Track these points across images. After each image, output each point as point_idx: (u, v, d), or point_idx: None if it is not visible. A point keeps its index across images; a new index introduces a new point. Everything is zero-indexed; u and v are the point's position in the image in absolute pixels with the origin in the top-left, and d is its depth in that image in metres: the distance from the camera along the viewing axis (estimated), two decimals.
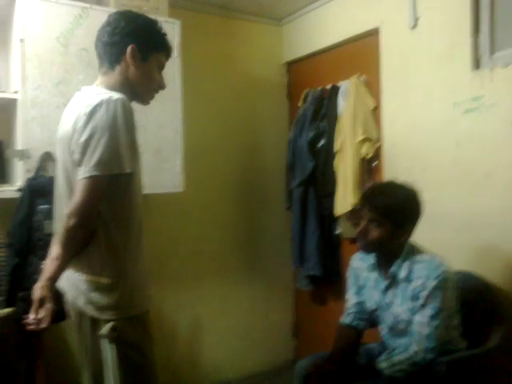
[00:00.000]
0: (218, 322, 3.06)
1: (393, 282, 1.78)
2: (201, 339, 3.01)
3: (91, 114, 1.34)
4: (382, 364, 1.70)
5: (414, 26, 2.36)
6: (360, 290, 1.93)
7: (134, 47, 1.47)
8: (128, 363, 1.42)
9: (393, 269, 1.76)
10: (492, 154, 2.04)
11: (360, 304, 1.93)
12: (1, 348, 1.71)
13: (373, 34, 2.63)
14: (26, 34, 2.05)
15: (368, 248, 1.79)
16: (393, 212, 1.71)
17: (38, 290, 1.46)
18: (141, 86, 1.53)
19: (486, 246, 2.09)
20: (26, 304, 1.50)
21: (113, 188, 1.38)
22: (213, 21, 3.01)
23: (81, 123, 1.35)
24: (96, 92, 1.42)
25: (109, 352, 1.40)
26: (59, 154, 1.50)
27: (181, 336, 2.94)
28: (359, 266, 1.93)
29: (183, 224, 2.92)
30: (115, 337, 1.38)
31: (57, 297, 1.46)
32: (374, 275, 1.86)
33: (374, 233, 1.73)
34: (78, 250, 1.40)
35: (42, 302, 1.45)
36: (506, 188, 1.99)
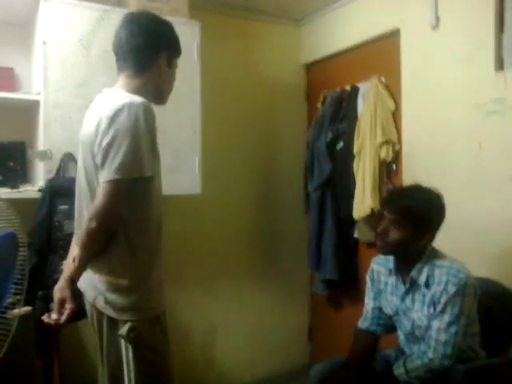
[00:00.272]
0: (233, 324, 3.06)
1: (412, 286, 1.76)
2: (215, 342, 3.01)
3: (114, 118, 1.36)
4: (398, 370, 1.68)
5: (436, 27, 2.33)
6: (378, 294, 1.91)
7: (165, 54, 1.53)
8: (146, 364, 1.44)
9: (413, 273, 1.73)
10: None
11: (378, 309, 1.91)
12: (19, 346, 1.74)
13: (393, 34, 2.60)
14: (49, 37, 2.09)
15: (386, 249, 1.76)
16: (414, 215, 1.69)
17: (58, 291, 1.49)
18: (164, 90, 1.59)
19: (506, 250, 2.04)
20: (45, 303, 1.52)
21: (133, 191, 1.40)
22: (231, 22, 3.02)
23: (103, 126, 1.37)
24: (119, 95, 1.44)
25: (127, 352, 1.41)
26: (81, 156, 1.52)
27: (196, 338, 2.95)
28: (378, 270, 1.91)
29: (200, 226, 2.93)
30: (134, 337, 1.39)
31: (76, 296, 1.48)
32: (393, 280, 1.84)
33: (394, 234, 1.71)
34: (98, 252, 1.42)
35: (62, 303, 1.48)
36: None
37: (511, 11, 2.07)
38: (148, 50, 1.50)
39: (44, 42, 2.07)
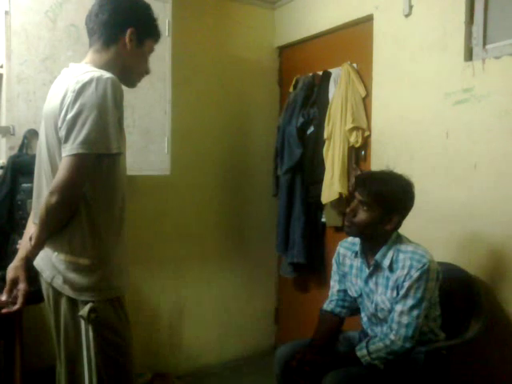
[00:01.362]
0: (200, 306, 3.06)
1: (375, 269, 1.80)
2: (182, 323, 3.01)
3: (80, 91, 1.32)
4: (361, 352, 1.73)
5: (408, 14, 2.35)
6: (344, 277, 1.94)
7: (133, 30, 1.48)
8: (106, 345, 1.41)
9: (377, 257, 1.77)
10: (481, 145, 2.05)
11: (343, 291, 1.95)
12: None
13: (366, 20, 2.60)
14: (12, 6, 1.99)
15: (352, 229, 1.78)
16: (385, 199, 1.72)
17: (12, 271, 1.44)
18: (131, 69, 1.54)
19: (469, 237, 2.10)
20: (5, 283, 1.48)
21: (97, 168, 1.37)
22: (205, 1, 2.95)
23: (69, 100, 1.33)
24: (85, 69, 1.40)
25: (87, 333, 1.38)
26: (43, 131, 1.47)
27: (162, 319, 2.94)
28: (344, 253, 1.94)
29: (169, 207, 2.90)
30: (94, 318, 1.36)
31: (34, 277, 1.44)
32: (358, 263, 1.87)
33: (362, 215, 1.74)
34: (56, 229, 1.38)
35: (15, 283, 1.43)
36: (492, 180, 2.00)
37: (481, 3, 2.11)
38: (114, 24, 1.46)
39: (6, 12, 1.98)
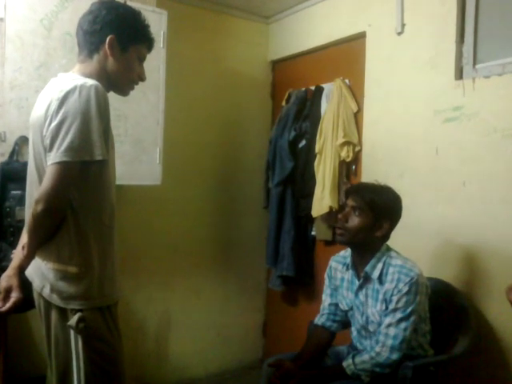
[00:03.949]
0: (188, 318, 3.04)
1: (365, 281, 1.81)
2: (170, 335, 2.98)
3: (64, 99, 1.32)
4: (346, 362, 1.72)
5: (401, 33, 2.38)
6: (335, 290, 1.95)
7: (113, 38, 1.46)
8: (96, 355, 1.40)
9: (367, 268, 1.78)
10: (470, 163, 2.07)
11: (334, 305, 1.95)
12: None
13: (359, 37, 2.64)
14: (8, 13, 2.00)
15: (345, 236, 1.79)
16: (377, 205, 1.77)
17: (5, 280, 1.44)
18: (118, 77, 1.52)
19: (457, 253, 2.12)
20: None
21: (83, 175, 1.36)
22: (200, 14, 2.98)
23: (53, 108, 1.33)
24: (70, 78, 1.41)
25: (76, 343, 1.37)
26: (31, 141, 1.47)
27: (149, 331, 2.91)
28: (336, 266, 1.95)
29: (159, 217, 2.89)
30: (83, 327, 1.35)
31: (25, 285, 1.43)
32: (349, 275, 1.88)
33: (354, 221, 1.77)
34: (45, 237, 1.38)
35: (8, 292, 1.43)
36: (479, 198, 2.03)
37: (471, 25, 2.15)
38: (94, 33, 1.46)
39: (1, 19, 1.98)
